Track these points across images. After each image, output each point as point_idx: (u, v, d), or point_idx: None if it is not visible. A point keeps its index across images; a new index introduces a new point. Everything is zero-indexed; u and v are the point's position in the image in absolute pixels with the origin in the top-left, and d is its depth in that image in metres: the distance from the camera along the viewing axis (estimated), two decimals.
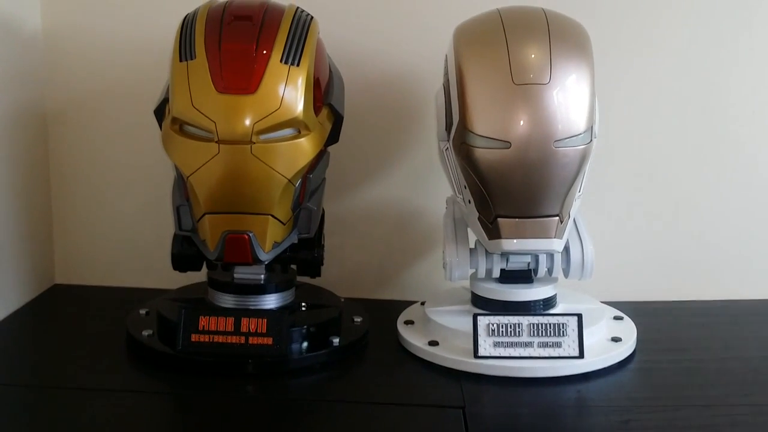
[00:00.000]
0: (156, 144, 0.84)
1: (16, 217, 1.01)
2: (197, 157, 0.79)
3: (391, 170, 1.06)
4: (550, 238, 0.83)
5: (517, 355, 0.83)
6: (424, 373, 0.85)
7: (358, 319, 0.93)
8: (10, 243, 0.99)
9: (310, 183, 0.84)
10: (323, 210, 0.91)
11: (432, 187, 1.03)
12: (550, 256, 0.88)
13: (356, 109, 0.96)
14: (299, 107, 0.79)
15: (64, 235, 1.09)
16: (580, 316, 0.84)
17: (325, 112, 0.85)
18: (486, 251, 0.88)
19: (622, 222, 1.06)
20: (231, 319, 0.84)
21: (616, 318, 0.95)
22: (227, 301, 0.88)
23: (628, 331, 0.91)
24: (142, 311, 0.93)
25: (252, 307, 0.88)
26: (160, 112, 0.85)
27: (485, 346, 0.84)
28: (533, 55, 0.80)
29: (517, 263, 0.89)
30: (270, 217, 0.82)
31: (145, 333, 0.88)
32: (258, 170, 0.79)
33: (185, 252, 0.87)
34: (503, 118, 0.79)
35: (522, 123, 0.79)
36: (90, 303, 1.04)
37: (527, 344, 0.84)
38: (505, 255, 0.88)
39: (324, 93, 0.86)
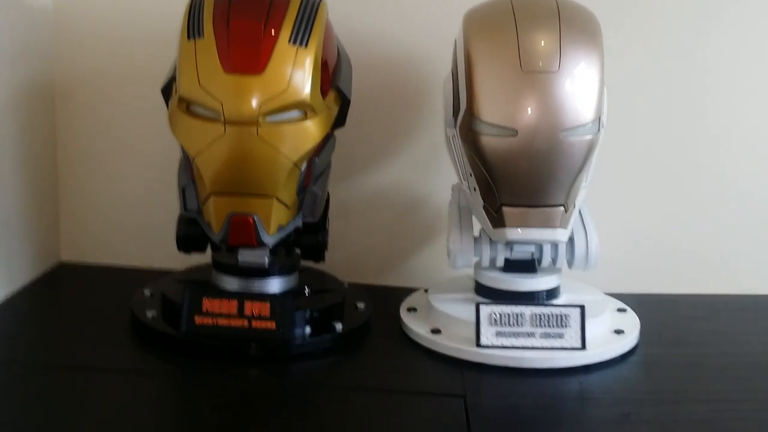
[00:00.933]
0: (164, 122, 0.84)
1: (22, 194, 1.01)
2: (203, 138, 0.79)
3: (397, 156, 1.06)
4: (555, 227, 0.82)
5: (519, 345, 0.83)
6: (425, 360, 0.85)
7: (361, 305, 0.93)
8: (16, 220, 0.99)
9: (316, 167, 0.84)
10: (328, 194, 0.91)
11: (438, 174, 1.02)
12: (555, 246, 0.87)
13: (363, 92, 0.95)
14: (306, 89, 0.79)
15: (70, 213, 1.09)
16: (583, 308, 0.83)
17: (332, 95, 0.85)
18: (490, 240, 0.87)
19: (627, 213, 1.05)
20: (234, 302, 0.83)
21: (620, 310, 0.94)
22: (231, 283, 0.88)
23: (631, 324, 0.90)
24: (147, 292, 0.93)
25: (256, 291, 0.88)
26: (167, 91, 0.84)
27: (487, 336, 0.83)
28: (543, 43, 0.79)
29: (521, 252, 0.88)
30: (275, 199, 0.81)
31: (150, 314, 0.88)
32: (264, 152, 0.79)
33: (190, 233, 0.87)
34: (511, 106, 0.79)
35: (529, 111, 0.78)
36: (95, 281, 1.05)
37: (529, 334, 0.83)
38: (510, 244, 0.87)
39: (332, 75, 0.85)
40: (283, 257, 0.90)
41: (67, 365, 0.81)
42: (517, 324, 0.84)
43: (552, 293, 0.89)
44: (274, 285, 0.89)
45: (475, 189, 0.84)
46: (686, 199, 1.05)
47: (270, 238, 0.83)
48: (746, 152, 1.05)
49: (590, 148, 0.80)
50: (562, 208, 0.82)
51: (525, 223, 0.82)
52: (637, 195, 1.05)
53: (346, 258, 1.04)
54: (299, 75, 0.79)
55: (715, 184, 1.05)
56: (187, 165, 0.83)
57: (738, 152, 1.05)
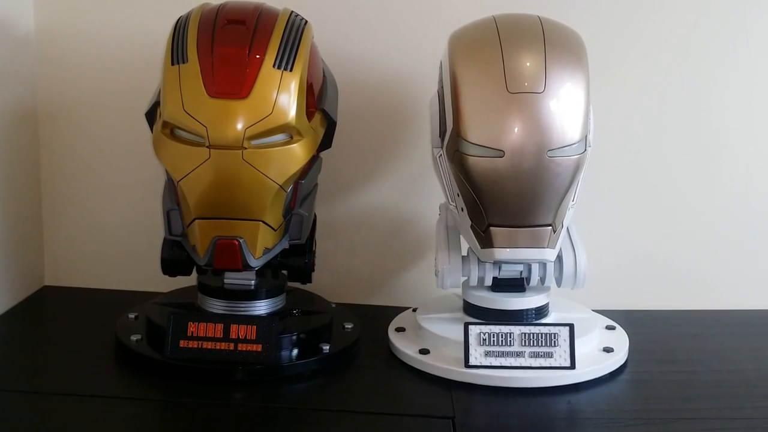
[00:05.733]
0: (148, 146, 0.83)
1: (5, 217, 1.00)
2: (188, 162, 0.78)
3: (384, 176, 1.05)
4: (543, 247, 0.82)
5: (508, 365, 0.83)
6: (414, 381, 0.84)
7: (348, 326, 0.93)
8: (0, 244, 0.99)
9: (302, 189, 0.84)
10: (315, 215, 0.90)
11: (425, 194, 1.02)
12: (543, 265, 0.87)
13: (349, 114, 0.96)
14: (292, 113, 0.79)
15: (55, 237, 1.08)
16: (572, 327, 0.83)
17: (317, 117, 0.85)
18: (478, 259, 0.87)
19: (615, 230, 1.05)
20: (220, 326, 0.83)
21: (609, 327, 0.94)
22: (217, 306, 0.88)
23: (621, 342, 0.90)
24: (131, 315, 0.93)
25: (242, 313, 0.87)
26: (151, 116, 0.84)
27: (476, 356, 0.83)
28: (528, 64, 0.79)
29: (509, 272, 0.88)
30: (261, 223, 0.81)
31: (134, 338, 0.87)
32: (249, 176, 0.78)
33: (175, 257, 0.86)
34: (497, 127, 0.78)
35: (516, 132, 0.78)
36: (79, 305, 1.04)
37: (518, 354, 0.83)
38: (498, 263, 0.87)
39: (317, 98, 0.85)
40: (270, 279, 0.90)
41: (49, 391, 0.80)
42: (506, 343, 0.83)
43: (541, 312, 0.89)
44: (261, 307, 0.88)
45: (462, 209, 0.84)
46: (675, 216, 1.05)
47: (256, 262, 0.82)
48: (735, 169, 1.05)
49: (577, 167, 0.80)
50: (549, 228, 0.82)
51: (513, 243, 0.82)
52: (626, 212, 1.05)
53: (333, 278, 1.04)
54: (284, 98, 0.78)
55: (704, 201, 1.05)
56: (171, 189, 0.82)
57: (727, 169, 1.05)
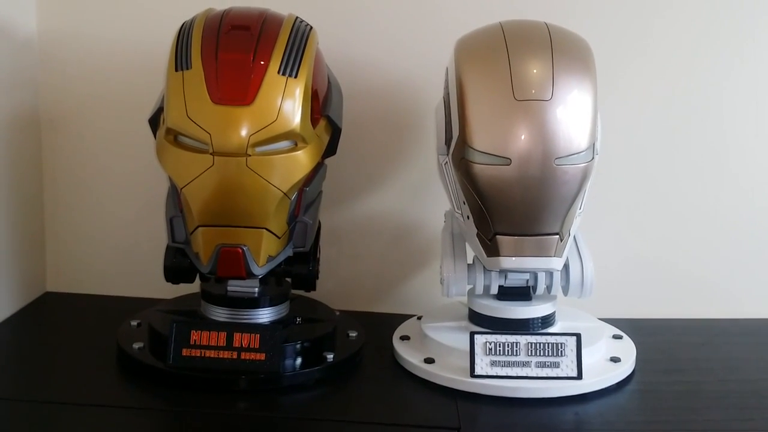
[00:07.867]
0: (151, 152, 0.83)
1: (7, 222, 0.99)
2: (191, 169, 0.78)
3: (389, 182, 1.05)
4: (550, 256, 0.81)
5: (514, 374, 0.82)
6: (419, 391, 0.84)
7: (353, 334, 0.92)
8: (2, 250, 0.98)
9: (306, 196, 0.83)
10: (319, 222, 0.89)
11: (430, 201, 1.01)
12: (550, 273, 0.86)
13: (355, 120, 0.95)
14: (296, 119, 0.78)
15: (57, 242, 1.08)
16: (579, 336, 0.82)
17: (322, 124, 0.84)
18: (484, 267, 0.86)
19: (622, 238, 1.04)
20: (223, 334, 0.82)
21: (616, 337, 0.93)
22: (220, 314, 0.87)
23: (628, 351, 0.89)
24: (134, 323, 0.92)
25: (245, 321, 0.86)
26: (154, 122, 0.83)
27: (482, 365, 0.82)
28: (535, 71, 0.79)
29: (515, 280, 0.87)
30: (265, 230, 0.80)
31: (136, 346, 0.86)
32: (253, 183, 0.78)
33: (178, 264, 0.85)
34: (504, 134, 0.78)
35: (523, 139, 0.77)
36: (82, 312, 1.03)
37: (525, 364, 0.82)
38: (504, 272, 0.86)
39: (322, 105, 0.85)
40: (274, 287, 0.89)
41: (50, 399, 0.80)
42: (512, 353, 0.83)
43: (547, 320, 0.88)
44: (264, 315, 0.87)
45: (468, 217, 0.83)
46: (682, 223, 1.05)
47: (260, 270, 0.81)
48: (743, 175, 1.04)
49: (584, 175, 0.79)
50: (557, 237, 0.81)
51: (519, 252, 0.81)
52: (633, 219, 1.05)
53: (337, 285, 1.03)
54: (289, 105, 0.78)
55: (712, 207, 1.04)
56: (174, 195, 0.82)
57: (735, 175, 1.04)
